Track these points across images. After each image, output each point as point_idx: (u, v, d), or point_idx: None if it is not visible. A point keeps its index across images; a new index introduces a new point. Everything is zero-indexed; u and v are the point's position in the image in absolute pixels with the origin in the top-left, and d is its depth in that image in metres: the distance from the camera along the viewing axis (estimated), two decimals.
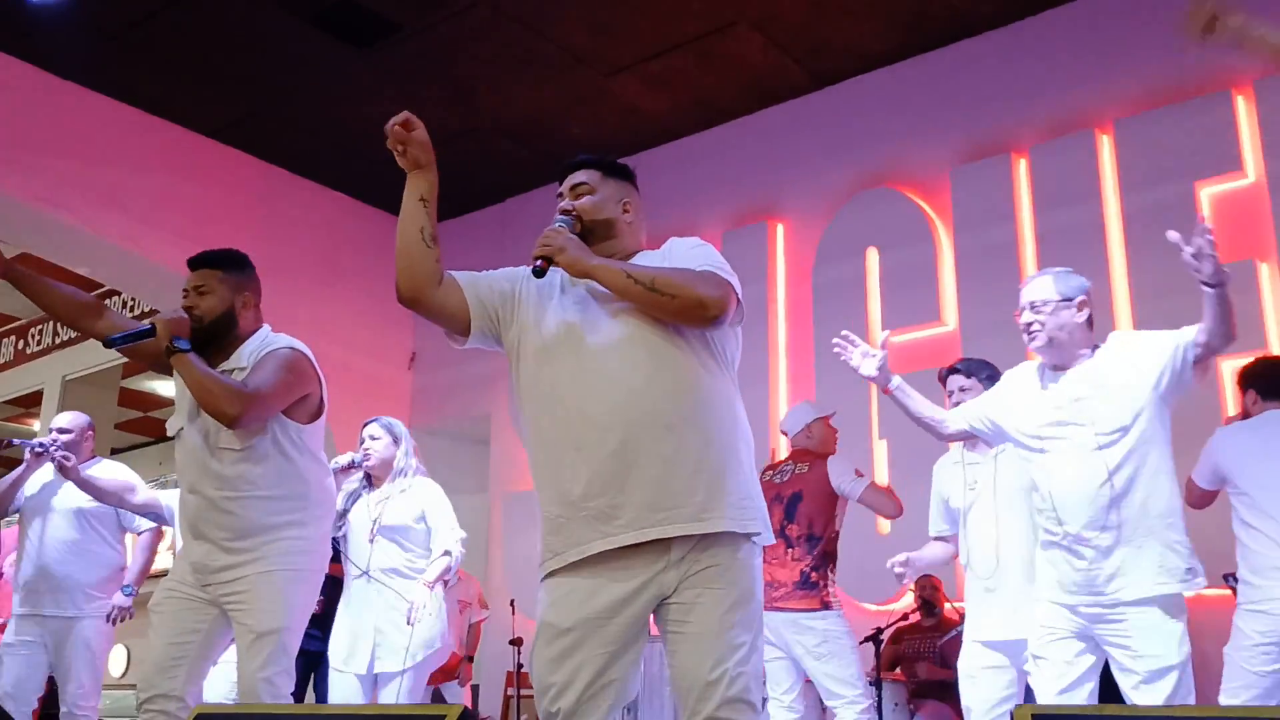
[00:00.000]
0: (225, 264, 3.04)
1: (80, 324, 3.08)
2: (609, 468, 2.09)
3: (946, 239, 6.24)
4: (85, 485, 4.38)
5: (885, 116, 6.55)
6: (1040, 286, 3.10)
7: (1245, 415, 3.86)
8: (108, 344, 2.97)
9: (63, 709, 4.37)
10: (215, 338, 2.96)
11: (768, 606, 4.05)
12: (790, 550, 4.26)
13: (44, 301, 3.10)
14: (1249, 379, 3.89)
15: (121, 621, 4.48)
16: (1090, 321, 3.08)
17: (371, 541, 4.04)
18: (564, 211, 2.32)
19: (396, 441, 4.22)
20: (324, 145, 7.46)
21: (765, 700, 4.22)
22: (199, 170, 7.25)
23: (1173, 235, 2.76)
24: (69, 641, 4.36)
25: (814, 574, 4.22)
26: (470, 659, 6.50)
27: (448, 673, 6.02)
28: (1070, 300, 3.06)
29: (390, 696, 3.95)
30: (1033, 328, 3.07)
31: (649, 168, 2.45)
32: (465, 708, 1.89)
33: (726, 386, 2.24)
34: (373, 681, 4.03)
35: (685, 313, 2.15)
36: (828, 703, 4.25)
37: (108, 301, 11.60)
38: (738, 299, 2.20)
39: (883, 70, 6.60)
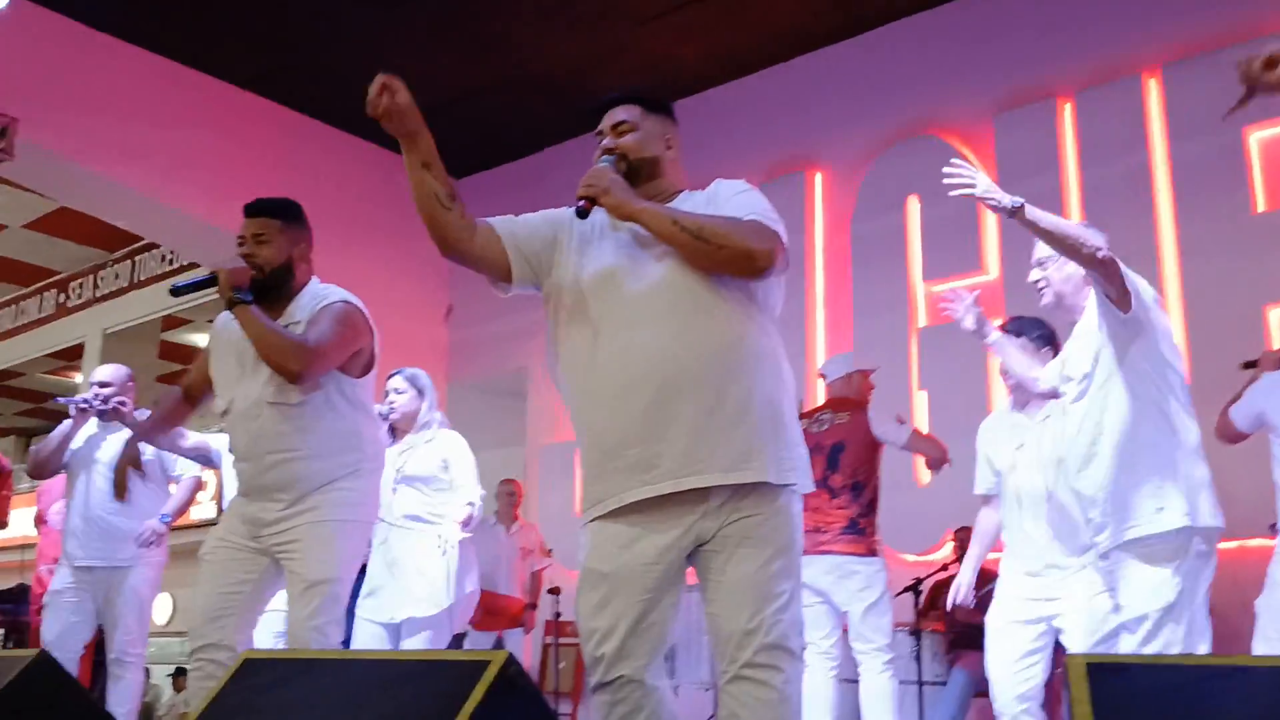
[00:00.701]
0: (284, 213, 2.99)
1: (193, 413, 3.27)
2: (649, 417, 2.07)
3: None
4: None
5: (925, 61, 6.42)
6: None
7: None
8: (174, 291, 3.02)
9: (110, 655, 4.45)
10: (271, 290, 2.92)
11: (812, 550, 4.07)
12: (834, 499, 4.27)
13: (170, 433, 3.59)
14: None
15: (153, 545, 4.45)
16: None
17: (394, 491, 4.06)
18: (606, 151, 2.25)
19: (421, 394, 4.22)
20: (354, 96, 7.36)
21: (804, 648, 4.23)
22: (229, 121, 7.23)
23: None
24: (118, 590, 4.42)
25: (861, 520, 4.25)
26: (534, 606, 6.55)
27: (513, 620, 6.06)
28: None
29: (413, 644, 3.95)
30: (1039, 284, 3.09)
31: (682, 118, 2.39)
32: (509, 654, 1.87)
33: (769, 337, 2.20)
34: (397, 631, 4.03)
35: (732, 263, 2.11)
36: (856, 647, 4.23)
37: (146, 255, 11.87)
38: (784, 249, 2.15)
39: (923, 14, 6.46)
